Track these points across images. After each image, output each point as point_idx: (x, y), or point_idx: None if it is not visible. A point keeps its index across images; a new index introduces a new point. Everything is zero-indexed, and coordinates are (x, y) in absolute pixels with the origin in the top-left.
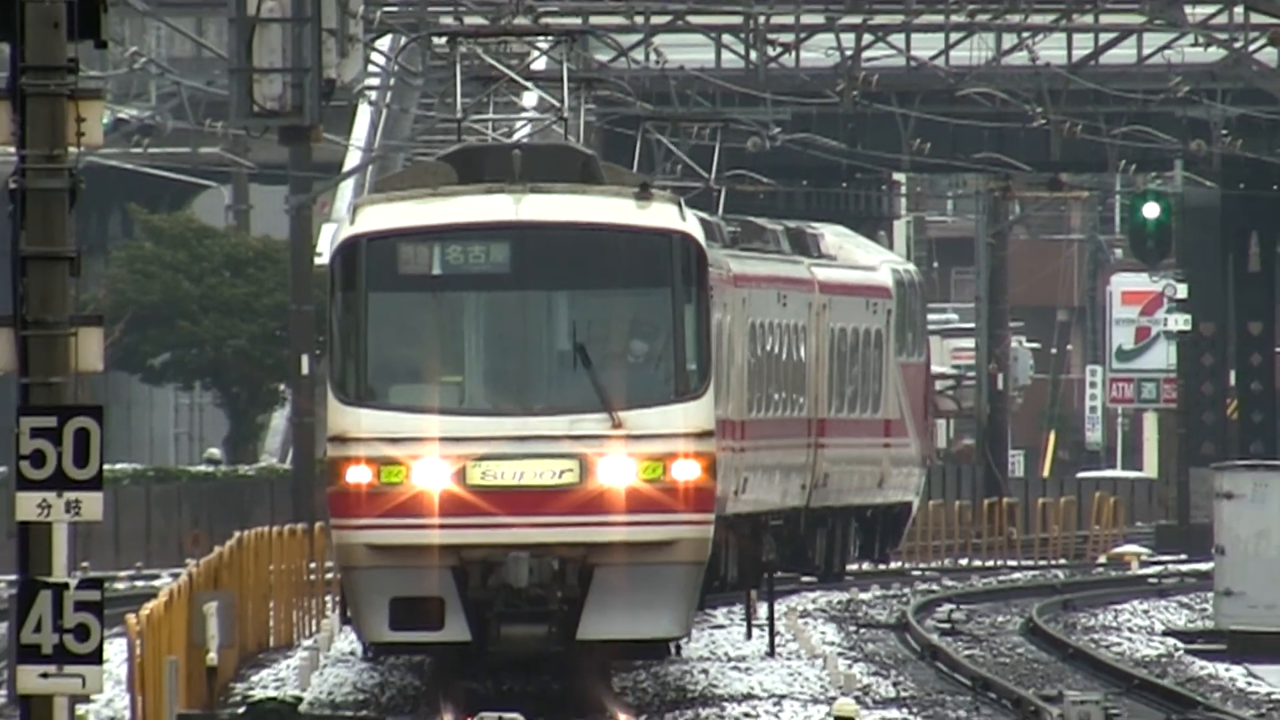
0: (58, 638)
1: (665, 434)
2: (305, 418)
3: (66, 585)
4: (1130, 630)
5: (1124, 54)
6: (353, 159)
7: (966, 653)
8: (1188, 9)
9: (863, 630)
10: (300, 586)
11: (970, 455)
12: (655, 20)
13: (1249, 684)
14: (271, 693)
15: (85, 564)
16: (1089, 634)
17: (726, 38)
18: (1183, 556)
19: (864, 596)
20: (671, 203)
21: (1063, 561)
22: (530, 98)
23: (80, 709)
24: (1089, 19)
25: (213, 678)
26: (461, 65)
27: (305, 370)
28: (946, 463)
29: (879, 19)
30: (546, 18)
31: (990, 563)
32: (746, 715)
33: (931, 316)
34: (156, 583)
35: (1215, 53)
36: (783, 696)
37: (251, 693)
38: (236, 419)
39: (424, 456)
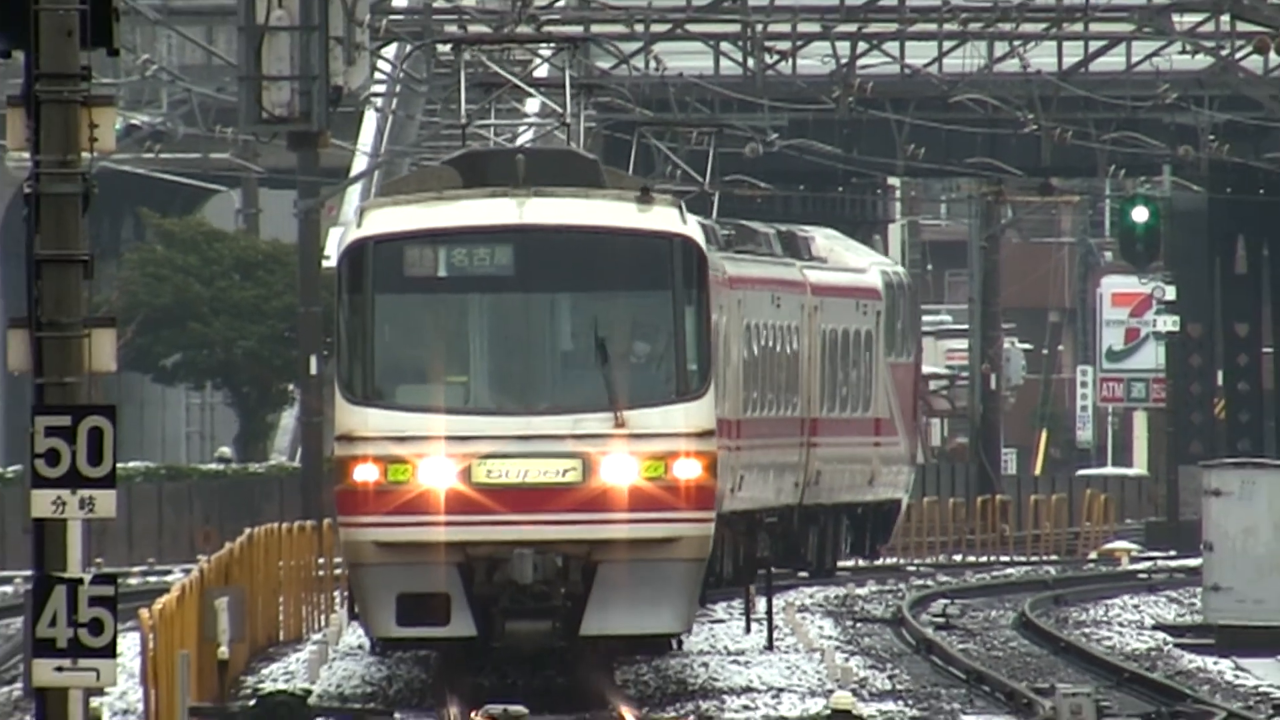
0: (72, 632)
1: (667, 433)
2: (314, 417)
3: (81, 581)
4: (1120, 625)
5: (1113, 61)
6: (359, 164)
7: (961, 646)
8: (1175, 17)
9: (859, 625)
10: (309, 582)
11: (964, 453)
12: (655, 29)
13: (1236, 677)
14: (281, 686)
15: (99, 560)
16: (1080, 628)
17: (725, 46)
18: (1172, 552)
19: (860, 592)
20: (672, 206)
21: (1054, 557)
22: (533, 104)
23: (94, 702)
24: (1079, 27)
25: (224, 671)
26: (466, 72)
27: (314, 371)
28: (941, 461)
29: (874, 27)
30: (549, 26)
31: (984, 559)
32: (746, 707)
33: (926, 318)
34: (169, 578)
35: (1202, 60)
36: (781, 689)
37: (262, 686)
38: (246, 418)
39: (430, 455)
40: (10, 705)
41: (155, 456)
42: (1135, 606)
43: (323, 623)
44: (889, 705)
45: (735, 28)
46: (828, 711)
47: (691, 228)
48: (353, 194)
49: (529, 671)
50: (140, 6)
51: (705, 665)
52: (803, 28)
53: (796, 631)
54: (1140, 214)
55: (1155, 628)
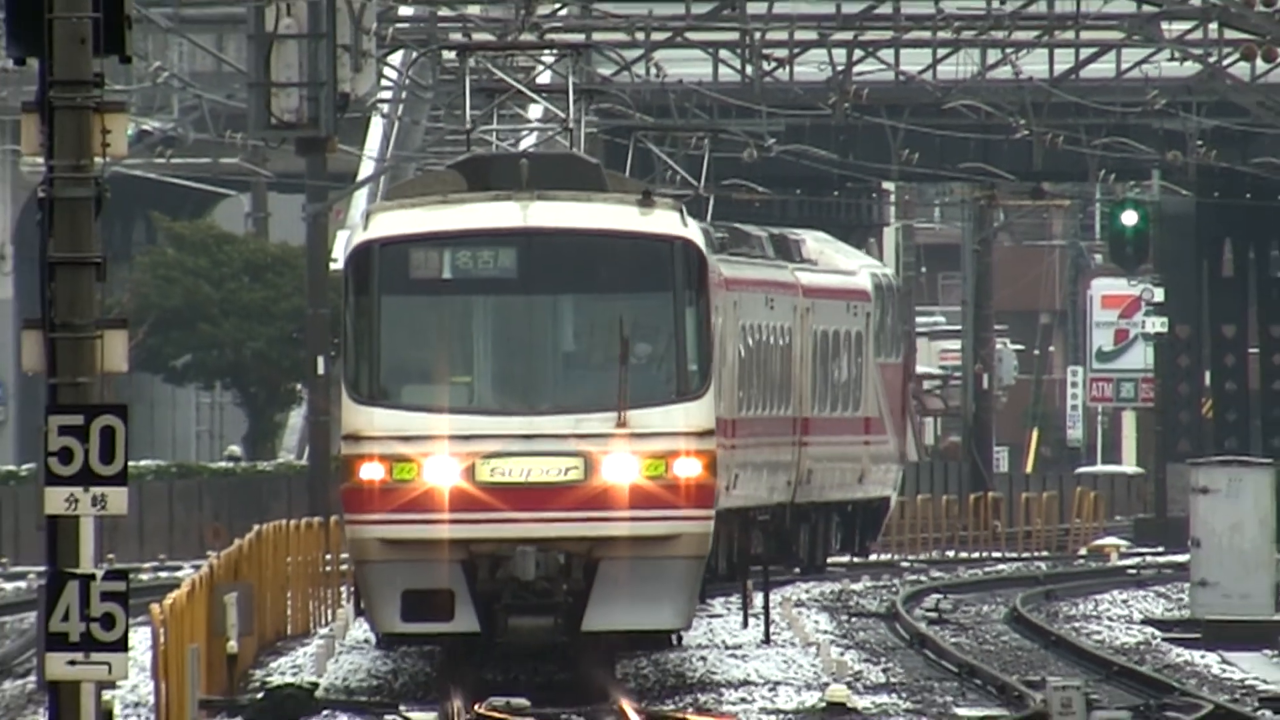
0: (85, 626)
1: (667, 432)
2: (321, 416)
3: (93, 576)
4: (1110, 619)
5: (1103, 68)
6: (366, 169)
7: (953, 640)
8: (1164, 25)
9: (854, 619)
10: (316, 577)
11: (957, 452)
12: (655, 36)
13: (1223, 670)
14: (289, 679)
15: (111, 556)
16: (1070, 623)
17: (724, 53)
18: (1160, 549)
19: (855, 587)
20: (673, 209)
21: (1045, 553)
22: (535, 109)
23: (106, 695)
24: (1070, 35)
25: (233, 664)
26: (470, 78)
27: (321, 371)
28: (934, 459)
29: (869, 35)
30: (551, 34)
31: (976, 555)
32: (743, 700)
33: (919, 319)
34: (179, 574)
35: (1191, 67)
36: (778, 682)
37: (270, 679)
38: (255, 418)
39: (435, 454)
40: (24, 698)
41: (166, 455)
42: (1124, 601)
43: (329, 617)
44: (883, 698)
45: (734, 35)
46: (823, 704)
47: (692, 230)
48: (360, 198)
49: (531, 666)
50: (152, 15)
51: (704, 659)
52: (799, 35)
53: (793, 626)
54: (1129, 218)
55: (1144, 622)
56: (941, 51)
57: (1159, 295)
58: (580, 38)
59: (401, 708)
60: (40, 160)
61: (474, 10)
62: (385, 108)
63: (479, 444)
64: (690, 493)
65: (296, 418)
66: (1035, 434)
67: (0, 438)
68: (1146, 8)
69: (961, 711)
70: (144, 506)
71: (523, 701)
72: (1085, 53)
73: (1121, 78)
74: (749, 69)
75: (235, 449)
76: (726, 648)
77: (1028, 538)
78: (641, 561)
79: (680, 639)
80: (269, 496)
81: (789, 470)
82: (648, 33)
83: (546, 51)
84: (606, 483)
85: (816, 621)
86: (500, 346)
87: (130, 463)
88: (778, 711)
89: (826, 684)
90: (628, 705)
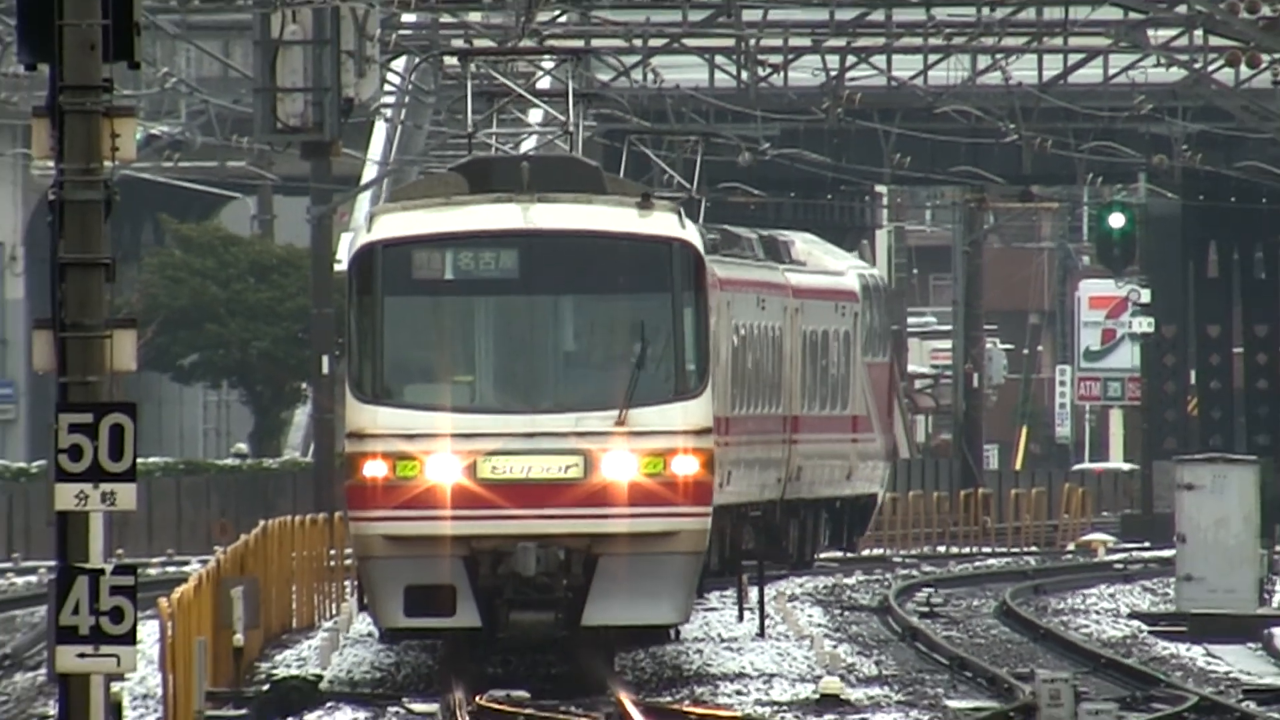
0: (94, 620)
1: (666, 431)
2: (325, 415)
3: (102, 571)
4: (1097, 613)
5: (1091, 74)
6: (370, 172)
7: (944, 634)
8: (1151, 32)
9: (847, 613)
10: (321, 572)
11: (948, 449)
12: (653, 42)
13: (1208, 663)
14: (294, 671)
15: (120, 551)
16: (1059, 616)
17: (719, 59)
18: (1146, 544)
19: (848, 581)
20: (672, 211)
21: (1034, 549)
22: (535, 114)
23: (115, 686)
24: (1058, 41)
25: (239, 657)
26: (472, 83)
27: (325, 370)
28: (926, 456)
29: (862, 41)
30: (551, 40)
31: (967, 550)
32: (739, 693)
33: (911, 320)
34: (186, 569)
35: (1176, 73)
36: (772, 675)
37: (275, 671)
38: (261, 415)
39: (437, 452)
40: (35, 690)
41: (174, 452)
42: (1111, 596)
43: (334, 611)
44: (875, 690)
45: (729, 42)
46: (817, 696)
47: (690, 232)
48: (363, 201)
49: (531, 660)
50: (160, 22)
51: (700, 652)
52: (794, 42)
53: (787, 620)
54: (1117, 220)
55: (1130, 616)
56: (933, 57)
57: (1145, 296)
58: (579, 43)
59: (404, 700)
60: (51, 164)
61: (475, 17)
62: (388, 112)
63: (480, 442)
64: (688, 490)
65: (301, 416)
66: (1024, 432)
67: (11, 435)
68: (1133, 15)
69: (952, 703)
70: (152, 502)
71: (523, 694)
72: (1073, 58)
73: (1109, 83)
74: (744, 74)
75: (242, 446)
76: (722, 641)
77: (1017, 533)
78: (640, 557)
79: (678, 633)
80: (274, 493)
81: (780, 467)
82: (645, 39)
83: (546, 57)
84: (606, 480)
85: (810, 615)
86: (501, 346)
87: (139, 460)
88: (772, 703)
89: (820, 676)
90: (625, 698)
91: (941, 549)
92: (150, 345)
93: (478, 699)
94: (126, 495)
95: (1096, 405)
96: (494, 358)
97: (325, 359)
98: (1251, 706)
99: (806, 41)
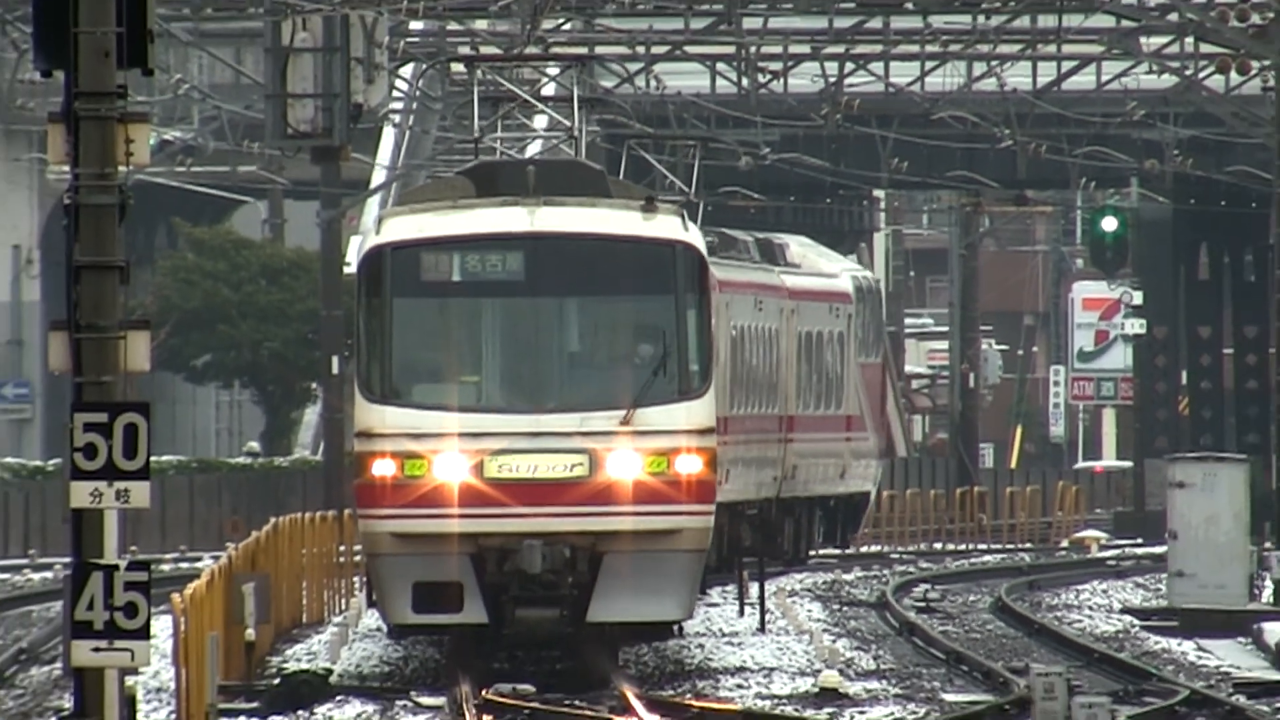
0: (109, 615)
1: (669, 430)
2: (335, 414)
3: (116, 567)
4: (1090, 608)
5: (1084, 81)
6: (378, 177)
7: (941, 629)
8: (1143, 40)
9: (846, 608)
10: (330, 568)
11: (944, 448)
12: (655, 50)
13: (1199, 657)
14: (304, 665)
15: (133, 547)
16: (1053, 612)
17: (721, 66)
18: (1139, 540)
19: (847, 577)
20: (675, 215)
21: (1029, 545)
22: (540, 119)
23: (129, 680)
24: (1052, 49)
25: (250, 651)
26: (478, 89)
27: (335, 370)
28: (923, 455)
29: (860, 49)
30: (556, 47)
31: (963, 546)
32: (740, 686)
33: (908, 321)
34: (199, 565)
35: (1168, 80)
36: (772, 669)
37: (286, 665)
38: (272, 415)
39: (444, 451)
40: (51, 684)
41: (186, 451)
42: (1104, 591)
43: (343, 606)
44: (874, 684)
45: (730, 49)
46: (816, 689)
47: (693, 235)
48: (372, 204)
49: (537, 655)
50: (173, 29)
51: (701, 646)
52: (793, 49)
53: (787, 615)
54: (1109, 224)
55: (1123, 611)
56: (929, 64)
57: (1138, 298)
58: (583, 50)
59: (412, 693)
60: (66, 169)
61: (481, 25)
62: (396, 118)
63: (487, 441)
64: (691, 488)
65: (312, 415)
66: (1019, 431)
67: (28, 434)
68: (1126, 23)
69: (948, 697)
70: (165, 500)
71: (528, 688)
72: (1067, 66)
73: (1102, 90)
74: (745, 81)
75: (253, 445)
76: (723, 635)
77: (1012, 530)
78: (644, 555)
79: (681, 629)
80: (285, 491)
81: (776, 466)
82: (648, 46)
83: (551, 64)
84: (610, 479)
85: (809, 610)
86: (508, 347)
87: (152, 458)
88: (773, 697)
89: (819, 670)
90: (629, 691)
91: (938, 546)
92: (163, 346)
93: (484, 692)
94: (140, 493)
95: (1090, 405)
96: (500, 358)
97: (335, 360)
98: (1242, 700)
99: (806, 49)
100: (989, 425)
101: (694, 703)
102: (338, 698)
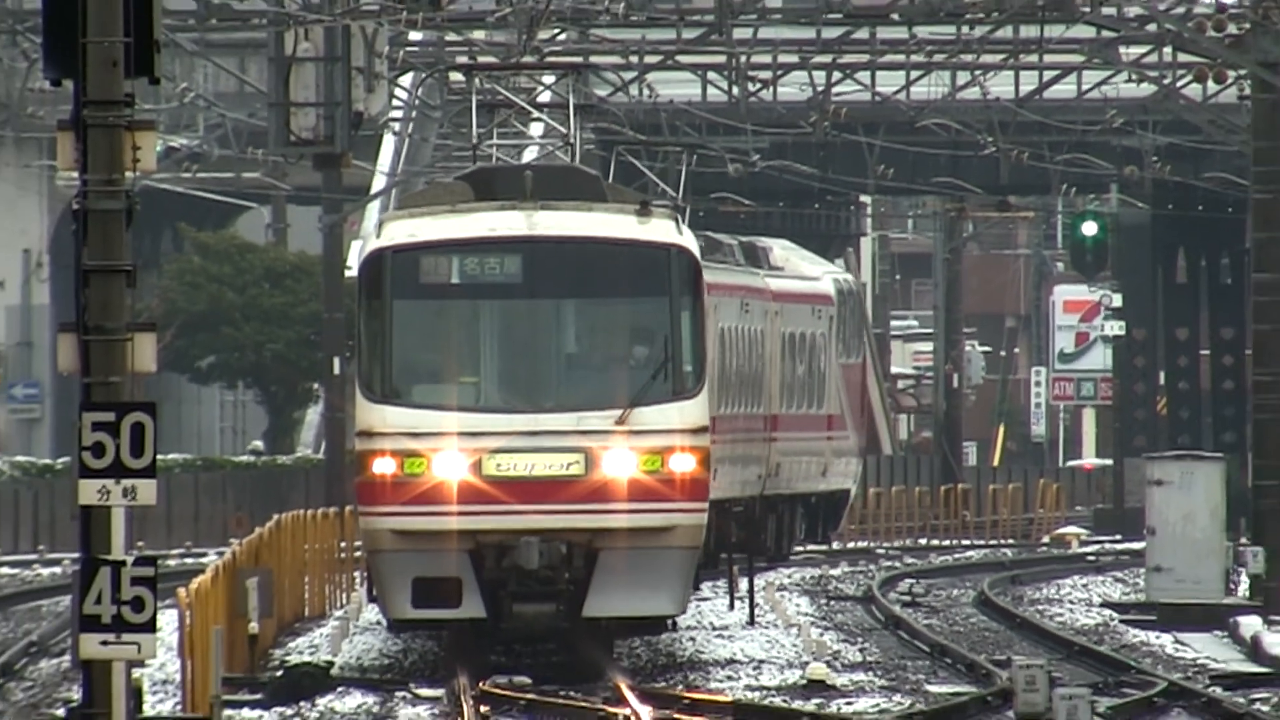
0: (116, 609)
1: (664, 429)
2: (337, 414)
3: (124, 562)
4: (1071, 602)
5: (1065, 89)
6: (378, 183)
7: (925, 622)
8: (1122, 49)
9: (833, 602)
10: (332, 564)
11: (929, 446)
12: (648, 59)
13: (1176, 650)
14: (306, 658)
15: (140, 544)
16: (1034, 606)
17: (711, 75)
18: (1118, 537)
19: (834, 572)
20: (670, 219)
21: (1011, 541)
22: (536, 127)
23: (135, 672)
24: (1034, 58)
25: (254, 644)
26: (476, 97)
27: (336, 371)
28: (908, 453)
29: (848, 58)
30: (551, 56)
31: (947, 542)
32: (730, 678)
33: (894, 323)
34: (204, 560)
35: (1147, 88)
36: (762, 661)
37: (288, 658)
38: (275, 415)
39: (443, 449)
40: (59, 676)
41: (192, 449)
42: (1084, 586)
43: (344, 601)
44: (860, 676)
45: (721, 59)
46: (804, 681)
47: (687, 239)
48: (372, 209)
49: (533, 649)
50: (179, 39)
51: (692, 640)
52: (783, 59)
53: (776, 609)
54: (1089, 228)
55: (1103, 605)
56: (915, 73)
57: (1117, 300)
58: (578, 60)
59: (412, 685)
60: (75, 175)
61: (479, 35)
62: (396, 125)
63: (485, 440)
64: (685, 486)
65: (314, 415)
66: (1002, 430)
67: (37, 433)
68: (1106, 33)
69: (933, 688)
70: (171, 497)
71: (525, 680)
72: (1048, 75)
73: (1082, 98)
74: (735, 90)
75: (257, 444)
76: (714, 629)
77: (995, 527)
78: (639, 551)
79: (675, 624)
80: (288, 488)
81: (760, 464)
82: (641, 56)
83: (547, 72)
84: (606, 477)
85: (798, 604)
86: (506, 348)
87: (158, 456)
88: (762, 688)
89: (807, 662)
90: (622, 683)
91: (923, 541)
92: (169, 348)
93: (482, 684)
94: (147, 490)
95: (1070, 405)
96: (498, 359)
97: (336, 360)
98: (1218, 691)
99: (794, 58)
100: (972, 424)
101: (686, 694)
102: (338, 689)
